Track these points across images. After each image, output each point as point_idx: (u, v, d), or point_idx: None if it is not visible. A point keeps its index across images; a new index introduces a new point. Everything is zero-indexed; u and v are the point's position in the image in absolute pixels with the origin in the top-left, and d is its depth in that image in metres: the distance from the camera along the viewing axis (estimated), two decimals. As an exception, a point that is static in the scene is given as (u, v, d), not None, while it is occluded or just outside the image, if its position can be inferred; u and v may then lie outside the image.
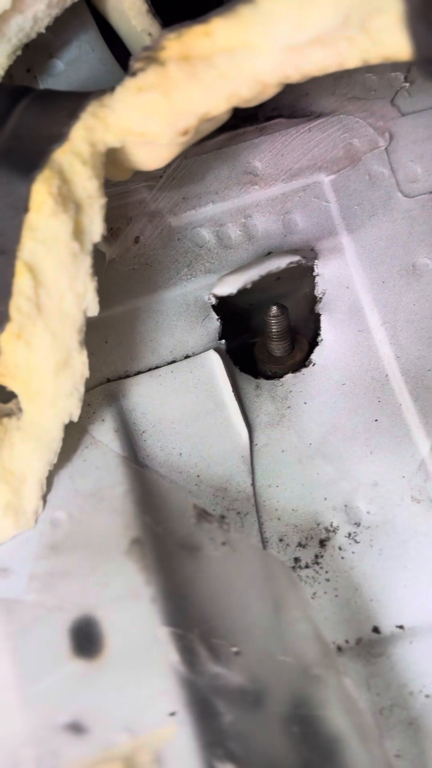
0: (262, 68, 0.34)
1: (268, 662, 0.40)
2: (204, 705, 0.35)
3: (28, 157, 0.37)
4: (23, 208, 0.36)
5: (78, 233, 0.37)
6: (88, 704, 0.36)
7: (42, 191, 0.36)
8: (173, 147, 0.37)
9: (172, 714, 0.35)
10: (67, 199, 0.37)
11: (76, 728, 0.35)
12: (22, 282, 0.37)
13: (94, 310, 0.39)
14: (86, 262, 0.38)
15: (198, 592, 0.40)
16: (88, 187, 0.37)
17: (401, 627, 0.42)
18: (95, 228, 0.38)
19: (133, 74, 0.36)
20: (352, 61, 0.34)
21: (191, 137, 0.37)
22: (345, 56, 0.34)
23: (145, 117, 0.35)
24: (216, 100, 0.34)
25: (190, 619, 0.39)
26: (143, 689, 0.36)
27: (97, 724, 0.35)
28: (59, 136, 0.37)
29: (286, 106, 0.49)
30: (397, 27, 0.31)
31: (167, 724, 0.34)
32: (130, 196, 0.48)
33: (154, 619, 0.37)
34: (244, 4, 0.34)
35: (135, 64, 0.36)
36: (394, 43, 0.32)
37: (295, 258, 0.46)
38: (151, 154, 0.38)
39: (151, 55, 0.35)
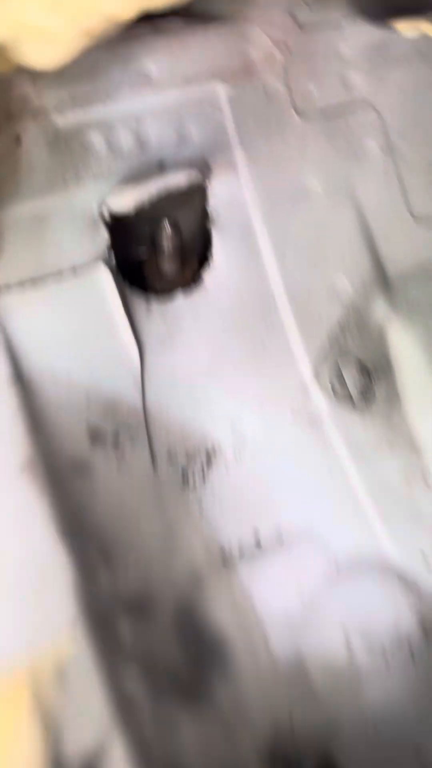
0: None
1: (160, 572, 0.42)
2: (100, 614, 0.37)
3: None
4: None
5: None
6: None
7: None
8: (71, 47, 0.34)
9: (71, 625, 0.36)
10: None
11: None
12: None
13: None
14: None
15: (93, 508, 0.41)
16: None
17: (279, 536, 0.45)
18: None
19: None
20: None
21: (93, 40, 0.33)
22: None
23: (47, 11, 0.31)
24: (129, 3, 0.31)
25: (86, 536, 0.39)
26: (42, 604, 0.36)
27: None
28: None
29: (182, 7, 0.46)
30: None
31: (67, 634, 0.35)
32: (11, 89, 0.43)
33: (51, 536, 0.37)
34: None
35: None
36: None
37: (193, 173, 0.44)
38: (47, 52, 0.34)
39: None
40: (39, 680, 0.34)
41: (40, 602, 0.37)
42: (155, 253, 0.48)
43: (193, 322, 0.48)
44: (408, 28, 0.35)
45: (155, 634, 0.40)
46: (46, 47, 0.34)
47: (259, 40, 0.47)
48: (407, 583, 0.44)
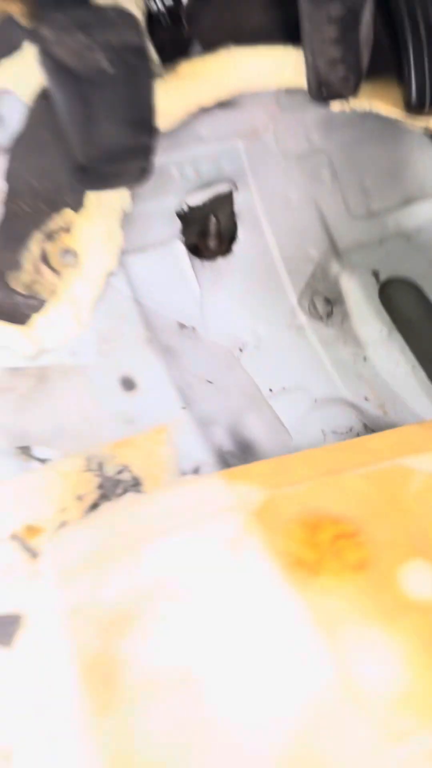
0: (231, 87, 0.68)
1: (220, 406, 0.75)
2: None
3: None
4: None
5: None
6: (136, 412, 0.69)
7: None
8: (178, 120, 0.70)
9: (184, 408, 0.69)
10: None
11: (127, 421, 0.68)
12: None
13: (129, 208, 0.71)
14: None
15: (183, 368, 0.75)
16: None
17: (283, 388, 0.79)
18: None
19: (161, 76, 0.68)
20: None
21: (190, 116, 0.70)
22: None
23: (177, 103, 0.67)
24: (208, 100, 0.67)
25: (187, 377, 0.73)
26: (166, 407, 0.70)
27: (141, 417, 0.69)
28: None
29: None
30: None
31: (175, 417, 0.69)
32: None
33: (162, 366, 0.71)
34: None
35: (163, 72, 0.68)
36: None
37: (229, 186, 0.80)
38: (168, 120, 0.70)
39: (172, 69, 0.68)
40: (169, 430, 0.68)
41: (165, 408, 0.70)
42: (205, 235, 0.83)
43: (228, 274, 0.83)
44: (336, 106, 0.71)
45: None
46: (167, 118, 0.69)
47: (260, 125, 0.84)
48: (356, 408, 0.79)
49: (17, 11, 0.65)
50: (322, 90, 0.61)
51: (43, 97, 0.65)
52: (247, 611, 0.41)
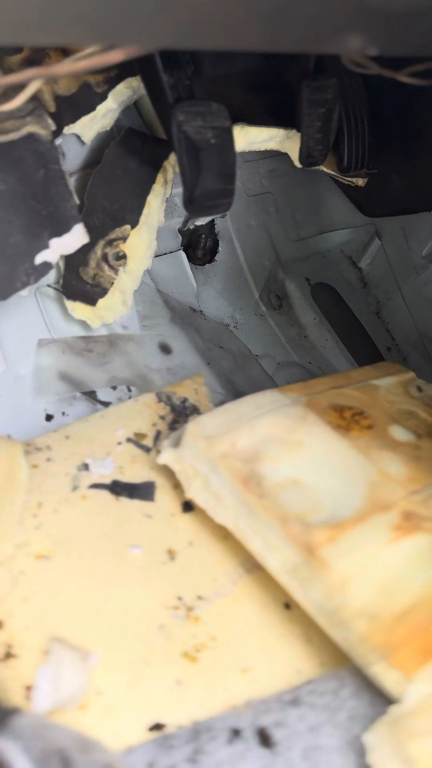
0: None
1: (229, 357, 1.08)
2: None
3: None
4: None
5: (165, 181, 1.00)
6: (176, 367, 1.00)
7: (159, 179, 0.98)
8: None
9: (208, 363, 1.01)
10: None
11: (172, 374, 0.99)
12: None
13: (162, 222, 1.02)
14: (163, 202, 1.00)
15: (199, 331, 1.06)
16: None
17: (257, 356, 1.13)
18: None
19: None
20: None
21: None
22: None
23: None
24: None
25: (205, 343, 1.05)
26: (195, 364, 1.01)
27: (180, 370, 0.99)
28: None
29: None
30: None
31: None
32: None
33: (186, 336, 1.03)
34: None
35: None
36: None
37: (216, 215, 1.14)
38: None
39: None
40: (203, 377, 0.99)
41: (193, 368, 1.02)
42: (197, 248, 1.16)
43: (213, 276, 1.16)
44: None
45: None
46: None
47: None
48: (305, 368, 1.15)
49: (93, 80, 0.94)
50: (308, 159, 0.96)
51: (119, 144, 0.95)
52: (319, 446, 0.75)
